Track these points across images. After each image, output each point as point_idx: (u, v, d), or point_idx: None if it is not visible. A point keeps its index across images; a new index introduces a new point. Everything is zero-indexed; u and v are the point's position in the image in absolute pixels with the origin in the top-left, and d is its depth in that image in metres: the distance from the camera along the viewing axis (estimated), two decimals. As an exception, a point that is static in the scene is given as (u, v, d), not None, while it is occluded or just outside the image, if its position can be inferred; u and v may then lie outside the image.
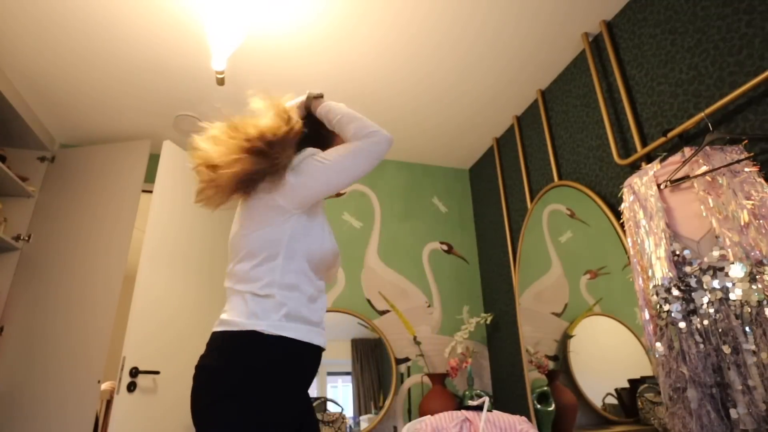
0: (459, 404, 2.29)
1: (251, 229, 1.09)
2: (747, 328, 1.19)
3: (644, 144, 1.76)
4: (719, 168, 1.33)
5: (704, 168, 1.37)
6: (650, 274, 1.43)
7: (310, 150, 1.17)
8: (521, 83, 2.39)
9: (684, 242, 1.39)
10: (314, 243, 1.11)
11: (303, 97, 1.27)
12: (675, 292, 1.34)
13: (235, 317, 1.01)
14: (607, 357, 1.86)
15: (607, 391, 1.82)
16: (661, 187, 1.50)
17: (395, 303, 2.73)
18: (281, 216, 1.08)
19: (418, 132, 2.82)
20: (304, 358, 1.04)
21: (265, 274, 1.04)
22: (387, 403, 2.45)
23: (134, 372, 1.98)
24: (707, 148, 1.39)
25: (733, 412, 1.18)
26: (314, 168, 1.11)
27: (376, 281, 2.75)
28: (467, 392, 2.28)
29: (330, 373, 2.52)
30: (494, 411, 1.80)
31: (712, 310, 1.27)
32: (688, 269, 1.35)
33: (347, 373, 2.53)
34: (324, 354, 1.13)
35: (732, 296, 1.24)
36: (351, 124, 1.15)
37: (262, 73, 2.27)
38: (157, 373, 2.06)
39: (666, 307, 1.35)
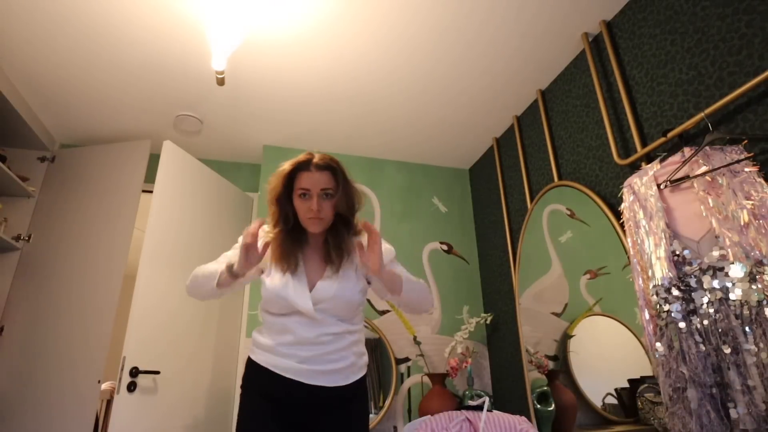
0: (459, 404, 2.29)
1: None
2: (747, 328, 1.19)
3: (644, 144, 1.76)
4: (719, 168, 1.33)
5: (704, 168, 1.37)
6: (650, 274, 1.43)
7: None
8: (521, 83, 2.39)
9: (684, 242, 1.39)
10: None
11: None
12: (675, 292, 1.34)
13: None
14: (607, 357, 1.86)
15: (607, 391, 1.82)
16: (661, 187, 1.50)
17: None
18: None
19: (418, 132, 2.82)
20: None
21: None
22: (387, 403, 2.45)
23: (134, 372, 1.98)
24: (707, 148, 1.39)
25: (733, 412, 1.18)
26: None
27: (376, 281, 2.75)
28: (467, 392, 2.28)
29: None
30: (494, 411, 1.80)
31: (712, 310, 1.27)
32: (688, 269, 1.35)
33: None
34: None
35: (732, 296, 1.24)
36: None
37: (262, 73, 2.27)
38: (157, 373, 2.06)
39: (666, 307, 1.35)
